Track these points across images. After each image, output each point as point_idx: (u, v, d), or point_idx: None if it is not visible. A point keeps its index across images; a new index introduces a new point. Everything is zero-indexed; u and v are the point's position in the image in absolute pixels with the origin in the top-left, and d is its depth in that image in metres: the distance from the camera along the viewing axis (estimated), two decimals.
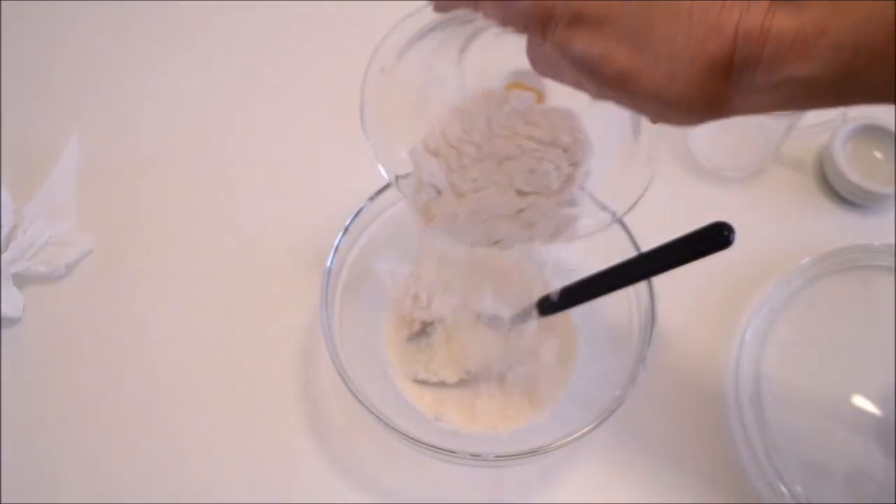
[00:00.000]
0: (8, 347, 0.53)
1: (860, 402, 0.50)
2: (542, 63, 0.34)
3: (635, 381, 0.44)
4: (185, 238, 0.58)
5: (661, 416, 0.51)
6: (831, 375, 0.51)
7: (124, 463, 0.50)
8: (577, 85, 0.32)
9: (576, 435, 0.42)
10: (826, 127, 0.59)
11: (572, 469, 0.49)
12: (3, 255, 0.54)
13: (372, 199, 0.49)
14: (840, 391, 0.51)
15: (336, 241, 0.48)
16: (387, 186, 0.49)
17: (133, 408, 0.51)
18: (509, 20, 0.31)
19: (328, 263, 0.47)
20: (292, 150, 0.62)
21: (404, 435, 0.42)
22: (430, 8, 0.34)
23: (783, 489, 0.47)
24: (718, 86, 0.27)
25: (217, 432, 0.51)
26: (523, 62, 0.34)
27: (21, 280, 0.55)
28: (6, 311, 0.53)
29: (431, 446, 0.42)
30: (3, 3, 0.69)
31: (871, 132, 0.60)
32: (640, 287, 0.47)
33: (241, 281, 0.56)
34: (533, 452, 0.42)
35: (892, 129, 0.60)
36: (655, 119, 0.30)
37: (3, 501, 0.48)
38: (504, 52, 0.35)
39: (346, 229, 0.49)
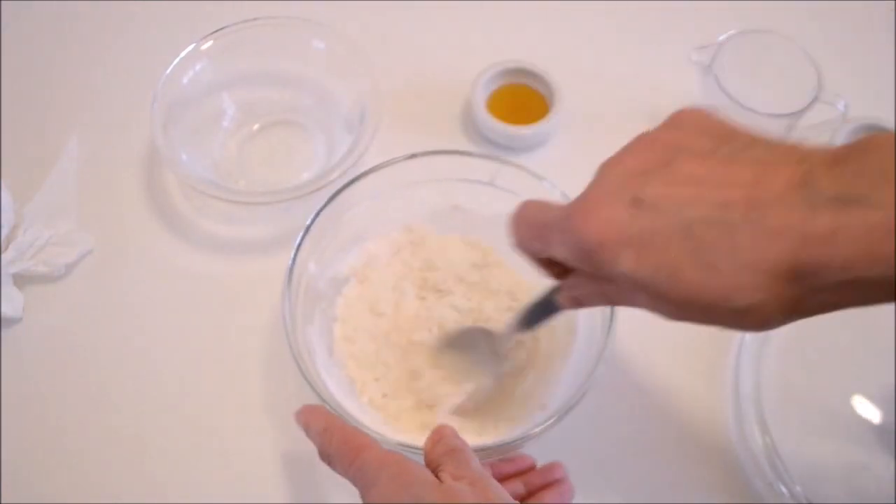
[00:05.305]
0: (8, 347, 0.53)
1: (860, 402, 0.50)
2: (591, 297, 0.35)
3: (594, 378, 0.44)
4: (185, 238, 0.58)
5: (660, 416, 0.51)
6: (831, 375, 0.52)
7: (124, 463, 0.50)
8: (652, 308, 0.31)
9: (538, 428, 0.43)
10: (826, 127, 0.59)
11: (570, 470, 0.48)
12: (3, 255, 0.54)
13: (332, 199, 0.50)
14: (840, 391, 0.51)
15: (298, 240, 0.48)
16: (344, 188, 0.50)
17: (133, 408, 0.51)
18: (566, 254, 0.32)
19: (290, 262, 0.48)
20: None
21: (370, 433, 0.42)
22: None
23: (783, 489, 0.47)
24: (788, 288, 0.27)
25: (218, 431, 0.51)
26: None
27: (21, 280, 0.55)
28: (6, 311, 0.53)
29: (403, 445, 0.42)
30: (3, 3, 0.69)
31: (871, 132, 0.60)
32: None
33: (242, 280, 0.56)
34: (505, 447, 0.43)
35: (893, 129, 0.60)
36: (737, 329, 0.30)
37: (3, 501, 0.48)
38: None
39: (308, 229, 0.49)
